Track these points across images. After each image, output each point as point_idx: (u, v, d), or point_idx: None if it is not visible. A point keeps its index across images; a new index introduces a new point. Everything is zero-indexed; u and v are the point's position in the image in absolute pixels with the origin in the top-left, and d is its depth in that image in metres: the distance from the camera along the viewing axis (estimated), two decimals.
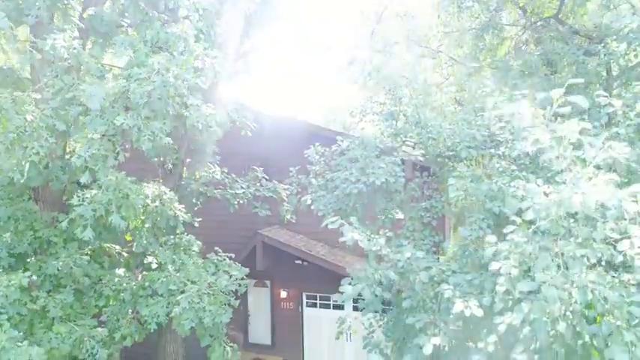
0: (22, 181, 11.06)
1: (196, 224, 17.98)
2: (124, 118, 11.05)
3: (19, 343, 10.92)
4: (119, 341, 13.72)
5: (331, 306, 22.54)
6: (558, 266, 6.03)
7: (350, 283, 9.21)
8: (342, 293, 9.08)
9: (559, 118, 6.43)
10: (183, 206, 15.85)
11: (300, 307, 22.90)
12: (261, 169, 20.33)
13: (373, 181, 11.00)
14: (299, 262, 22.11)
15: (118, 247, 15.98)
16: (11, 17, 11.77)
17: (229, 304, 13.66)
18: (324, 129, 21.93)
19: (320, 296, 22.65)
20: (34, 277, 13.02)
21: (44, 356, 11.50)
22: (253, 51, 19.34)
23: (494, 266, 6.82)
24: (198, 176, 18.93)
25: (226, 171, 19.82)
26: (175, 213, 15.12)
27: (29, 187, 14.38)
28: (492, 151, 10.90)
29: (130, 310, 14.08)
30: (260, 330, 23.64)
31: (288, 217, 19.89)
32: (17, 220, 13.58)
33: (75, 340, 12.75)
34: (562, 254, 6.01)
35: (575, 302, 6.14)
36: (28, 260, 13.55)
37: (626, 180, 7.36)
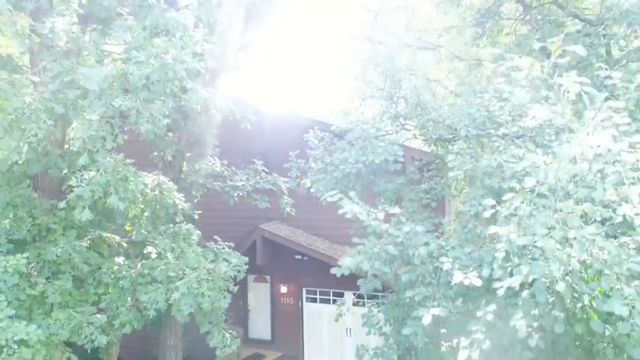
0: (20, 162, 11.02)
1: (196, 216, 17.96)
2: (123, 100, 11.02)
3: (17, 323, 10.88)
4: (118, 328, 13.68)
5: (331, 301, 22.53)
6: (557, 222, 5.99)
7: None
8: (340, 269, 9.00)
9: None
10: (183, 195, 15.82)
11: (300, 303, 22.86)
12: (261, 162, 20.29)
13: (372, 160, 10.98)
14: (299, 257, 22.08)
15: (117, 237, 15.91)
16: (10, 1, 11.75)
17: (228, 290, 13.62)
18: (324, 123, 21.89)
19: (320, 291, 22.61)
20: (33, 264, 13.02)
21: (42, 336, 11.51)
22: (253, 43, 19.34)
23: (492, 230, 6.78)
24: (197, 168, 18.90)
25: (226, 163, 19.80)
26: (175, 202, 15.10)
27: (28, 176, 14.35)
28: (492, 131, 10.85)
29: (130, 298, 14.03)
30: (260, 325, 23.60)
31: (288, 209, 19.87)
32: (16, 206, 13.54)
33: (74, 326, 12.72)
34: (560, 210, 5.97)
35: (574, 259, 6.10)
36: (27, 247, 13.51)
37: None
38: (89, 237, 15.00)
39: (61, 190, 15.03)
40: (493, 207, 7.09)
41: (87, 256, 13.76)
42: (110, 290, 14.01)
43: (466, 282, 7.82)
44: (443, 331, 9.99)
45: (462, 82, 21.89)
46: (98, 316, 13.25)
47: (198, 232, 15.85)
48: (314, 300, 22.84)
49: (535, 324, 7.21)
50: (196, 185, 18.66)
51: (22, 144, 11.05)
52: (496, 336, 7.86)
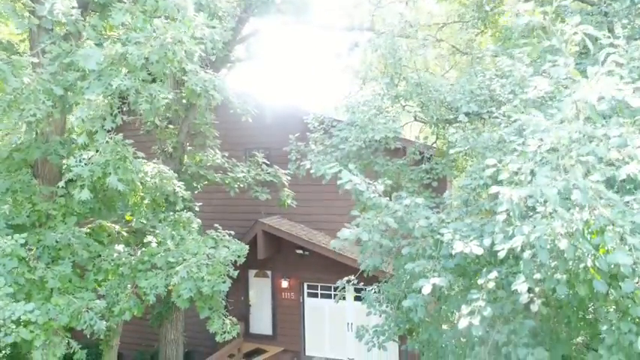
0: (19, 142, 10.97)
1: (197, 208, 17.93)
2: (122, 80, 10.96)
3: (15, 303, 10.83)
4: (118, 315, 13.58)
5: (332, 296, 22.41)
6: (559, 174, 5.90)
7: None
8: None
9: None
10: (183, 183, 15.78)
11: (301, 298, 22.80)
12: (262, 154, 20.25)
13: (372, 137, 10.91)
14: (300, 251, 22.04)
15: (117, 226, 15.86)
16: None
17: (229, 276, 13.54)
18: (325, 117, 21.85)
19: (321, 286, 22.54)
20: (33, 249, 12.96)
21: (40, 317, 11.45)
22: (254, 34, 19.33)
23: (493, 190, 6.69)
24: (198, 160, 18.87)
25: (227, 155, 19.76)
26: (175, 189, 15.05)
27: (28, 163, 14.32)
28: (493, 109, 10.77)
29: (129, 285, 13.95)
30: (261, 320, 23.53)
31: (289, 202, 19.82)
32: (15, 191, 13.49)
33: (73, 311, 12.64)
34: (564, 167, 5.88)
35: (577, 215, 6.01)
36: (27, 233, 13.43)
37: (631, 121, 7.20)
38: (90, 225, 14.98)
39: (61, 177, 14.99)
40: (494, 166, 7.01)
41: (87, 242, 13.69)
42: (110, 277, 13.93)
43: (466, 250, 7.74)
44: (444, 307, 9.91)
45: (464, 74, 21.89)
46: (98, 301, 13.15)
47: (199, 220, 15.77)
48: (315, 295, 22.78)
49: (537, 289, 7.12)
50: (197, 177, 18.62)
51: (20, 123, 10.99)
52: (497, 305, 7.78)
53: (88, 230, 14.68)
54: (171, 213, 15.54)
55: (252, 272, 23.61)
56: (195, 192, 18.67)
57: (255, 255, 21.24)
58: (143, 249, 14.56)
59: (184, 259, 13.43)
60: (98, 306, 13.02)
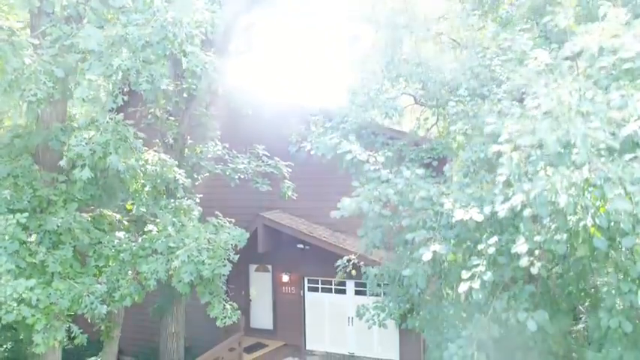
0: (20, 121, 10.98)
1: (197, 200, 17.93)
2: (122, 60, 10.99)
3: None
4: (119, 300, 13.57)
5: (333, 290, 22.40)
6: (559, 125, 5.91)
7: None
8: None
9: None
10: (184, 171, 15.80)
11: (301, 292, 22.76)
12: (263, 147, 20.22)
13: (373, 118, 10.92)
14: (300, 246, 22.00)
15: (118, 215, 15.86)
16: None
17: (229, 260, 13.52)
18: (326, 110, 21.82)
19: (322, 280, 22.50)
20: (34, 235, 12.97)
21: (42, 296, 11.46)
22: (255, 25, 19.35)
23: (494, 149, 6.71)
24: (198, 151, 18.88)
25: (227, 146, 19.77)
26: (175, 177, 15.06)
27: (29, 150, 14.34)
28: (494, 87, 10.77)
29: (130, 271, 13.94)
30: (262, 315, 23.51)
31: (289, 193, 19.81)
32: (16, 176, 13.49)
33: (74, 295, 12.64)
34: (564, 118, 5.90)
35: (576, 171, 6.02)
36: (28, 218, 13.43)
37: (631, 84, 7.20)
38: (90, 214, 14.98)
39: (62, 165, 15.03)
40: (494, 123, 7.03)
41: (87, 227, 13.69)
42: (111, 263, 13.92)
43: (466, 217, 7.75)
44: (443, 282, 9.92)
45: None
46: (98, 286, 13.17)
47: (199, 208, 15.77)
48: (316, 289, 22.74)
49: (537, 251, 7.12)
50: (197, 167, 18.62)
51: (21, 103, 11.01)
52: (498, 273, 7.79)
53: (89, 218, 14.67)
54: (172, 200, 15.55)
55: (252, 267, 23.60)
56: (196, 183, 18.68)
57: (256, 249, 21.24)
58: (144, 236, 14.56)
59: (185, 244, 13.42)
60: (99, 290, 13.04)
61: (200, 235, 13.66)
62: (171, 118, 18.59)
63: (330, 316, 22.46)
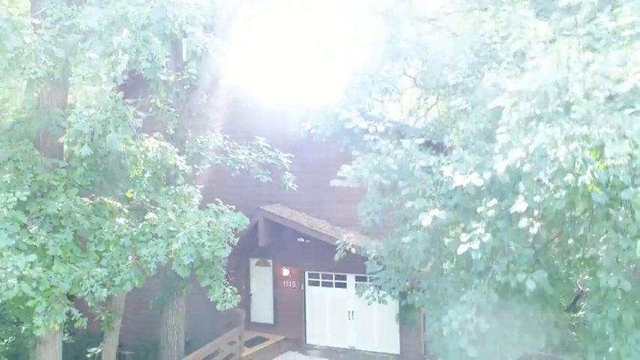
0: (20, 101, 10.99)
1: (198, 191, 17.92)
2: (122, 38, 11.02)
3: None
4: (120, 285, 13.55)
5: (333, 284, 22.41)
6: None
7: None
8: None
9: None
10: (184, 157, 15.81)
11: (302, 286, 22.75)
12: (263, 139, 20.21)
13: (373, 99, 10.92)
14: (301, 240, 21.99)
15: (118, 203, 15.86)
16: None
17: (229, 243, 13.51)
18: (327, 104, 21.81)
19: (322, 274, 22.49)
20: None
21: (43, 276, 11.46)
22: (256, 14, 19.38)
23: (495, 103, 6.72)
24: (199, 142, 18.88)
25: (228, 137, 19.76)
26: (176, 163, 15.07)
27: (30, 137, 14.37)
28: (495, 64, 10.75)
29: (130, 256, 13.93)
30: (262, 309, 23.48)
31: (290, 184, 19.79)
32: (17, 161, 13.51)
33: (74, 278, 12.64)
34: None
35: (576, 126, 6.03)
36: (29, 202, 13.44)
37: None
38: (91, 202, 14.97)
39: (62, 151, 15.04)
40: (494, 80, 7.05)
41: (88, 211, 13.70)
42: (111, 248, 13.91)
43: (466, 182, 7.75)
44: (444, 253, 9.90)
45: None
46: (98, 270, 13.16)
47: (200, 195, 15.77)
48: (316, 283, 22.75)
49: (536, 212, 7.12)
50: (198, 158, 18.61)
51: (22, 81, 11.04)
52: (497, 237, 7.79)
53: (90, 205, 14.68)
54: (172, 187, 15.56)
55: (253, 261, 23.58)
56: (197, 174, 18.67)
57: (257, 243, 21.24)
58: (144, 222, 14.55)
59: (185, 228, 13.41)
60: (99, 274, 13.03)
61: (200, 219, 13.66)
62: (171, 109, 18.59)
63: (331, 310, 22.45)
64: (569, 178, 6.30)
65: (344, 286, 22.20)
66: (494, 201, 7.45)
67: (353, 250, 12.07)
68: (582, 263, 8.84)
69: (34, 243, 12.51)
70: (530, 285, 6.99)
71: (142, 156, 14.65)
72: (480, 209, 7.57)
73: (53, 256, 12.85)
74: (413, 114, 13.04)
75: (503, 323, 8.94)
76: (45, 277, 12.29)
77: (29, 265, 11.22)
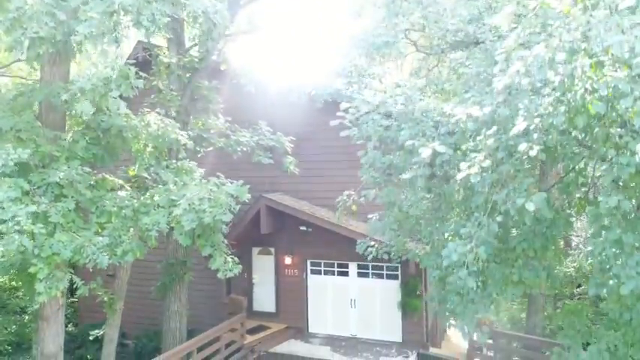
0: (23, 56, 11.02)
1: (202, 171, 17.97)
2: None
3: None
4: (121, 256, 13.54)
5: (336, 273, 22.39)
6: None
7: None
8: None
9: None
10: (186, 133, 15.86)
11: (304, 274, 22.73)
12: (265, 123, 20.25)
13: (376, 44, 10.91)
14: (303, 228, 22.02)
15: (120, 181, 15.89)
16: None
17: (230, 211, 13.50)
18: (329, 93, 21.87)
19: (324, 263, 22.48)
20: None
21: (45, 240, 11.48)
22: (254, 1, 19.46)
23: (494, 21, 6.73)
24: (201, 124, 18.94)
25: (230, 119, 19.82)
26: (178, 138, 15.10)
27: (32, 110, 14.43)
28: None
29: (132, 228, 13.94)
30: (264, 298, 23.47)
31: (292, 167, 19.84)
32: (19, 130, 13.55)
33: (76, 246, 12.64)
34: None
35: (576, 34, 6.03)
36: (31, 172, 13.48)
37: None
38: (93, 178, 15.01)
39: (64, 125, 15.10)
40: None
41: (89, 180, 13.72)
42: (113, 219, 13.92)
43: (465, 116, 7.76)
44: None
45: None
46: (100, 238, 13.17)
47: (201, 170, 15.78)
48: (318, 272, 22.73)
49: (535, 135, 7.11)
50: (200, 140, 18.67)
51: (23, 39, 11.09)
52: (497, 169, 7.78)
53: (92, 178, 14.71)
54: (174, 161, 15.60)
55: (255, 250, 23.58)
56: (198, 156, 18.73)
57: (259, 231, 21.26)
58: (146, 195, 14.57)
59: (186, 196, 13.43)
60: (100, 242, 13.03)
61: (202, 188, 13.68)
62: (173, 92, 18.67)
63: (333, 299, 22.43)
64: (569, 90, 6.32)
65: (346, 274, 22.20)
66: (494, 128, 7.45)
67: (354, 207, 11.99)
68: (583, 202, 8.87)
69: (37, 210, 12.52)
70: (530, 206, 6.95)
71: (144, 130, 14.67)
72: (479, 138, 7.57)
73: (55, 225, 12.84)
74: (414, 75, 13.02)
75: (503, 263, 8.95)
76: (47, 245, 12.30)
77: (30, 217, 11.20)
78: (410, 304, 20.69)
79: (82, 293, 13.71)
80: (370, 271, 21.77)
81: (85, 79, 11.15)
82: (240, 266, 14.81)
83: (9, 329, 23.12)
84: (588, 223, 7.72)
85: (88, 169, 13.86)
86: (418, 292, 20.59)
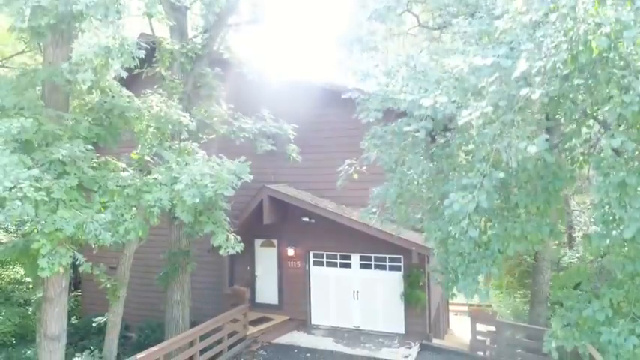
0: (24, 25, 11.05)
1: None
2: None
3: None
4: (124, 235, 13.55)
5: (338, 264, 22.34)
6: None
7: None
8: None
9: None
10: (188, 114, 15.89)
11: (307, 266, 22.70)
12: (268, 111, 20.24)
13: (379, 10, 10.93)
14: (306, 219, 22.02)
15: (123, 164, 15.92)
16: None
17: (232, 187, 13.50)
18: (332, 84, 21.91)
19: (327, 254, 22.46)
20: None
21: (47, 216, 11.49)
22: None
23: None
24: (203, 111, 18.97)
25: (232, 106, 19.83)
26: (180, 119, 15.12)
27: (35, 88, 14.48)
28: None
29: (135, 207, 13.94)
30: (267, 290, 23.47)
31: (294, 155, 19.84)
32: (22, 108, 13.59)
33: (78, 222, 12.64)
34: None
35: None
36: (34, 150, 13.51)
37: None
38: (95, 160, 15.04)
39: (67, 106, 15.13)
40: None
41: (91, 156, 13.74)
42: (115, 198, 13.93)
43: (465, 64, 7.76)
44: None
45: None
46: (102, 215, 13.17)
47: (204, 151, 15.79)
48: (321, 263, 22.70)
49: (538, 79, 7.11)
50: (202, 127, 18.69)
51: (25, 8, 11.11)
52: (499, 117, 7.78)
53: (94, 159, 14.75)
54: (177, 142, 15.63)
55: (258, 242, 23.59)
56: (201, 142, 18.74)
57: (261, 222, 21.26)
58: (148, 176, 14.59)
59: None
60: (103, 219, 13.04)
61: (204, 165, 13.70)
62: (176, 79, 18.72)
63: (336, 290, 22.39)
64: (570, 25, 6.33)
65: (348, 266, 22.16)
66: (497, 74, 7.44)
67: (355, 176, 11.98)
68: (586, 158, 8.87)
69: (39, 186, 12.52)
70: (532, 149, 6.95)
71: (146, 111, 14.71)
72: (481, 84, 7.56)
73: (58, 201, 12.85)
74: (415, 47, 13.04)
75: (505, 219, 8.94)
76: (49, 221, 12.31)
77: (32, 181, 11.20)
78: (413, 295, 20.64)
79: (85, 270, 13.63)
80: (373, 262, 21.74)
81: (86, 47, 11.13)
82: (242, 244, 14.81)
83: (12, 320, 23.18)
84: (593, 167, 7.65)
85: (91, 147, 13.81)
86: (421, 283, 20.52)
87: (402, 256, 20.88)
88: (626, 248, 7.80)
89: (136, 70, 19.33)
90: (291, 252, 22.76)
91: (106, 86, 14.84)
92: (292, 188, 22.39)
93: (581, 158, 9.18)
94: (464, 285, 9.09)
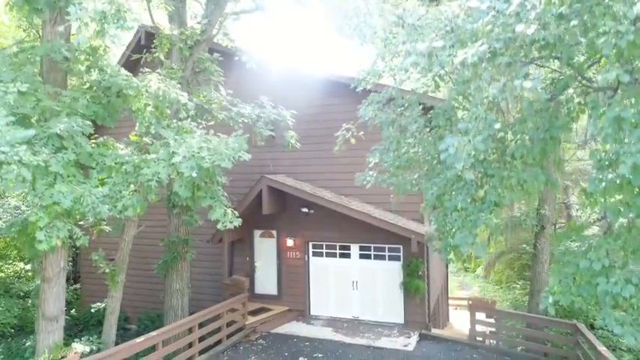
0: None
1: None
2: None
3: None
4: (122, 211, 13.52)
5: (337, 255, 22.29)
6: None
7: None
8: None
9: None
10: (187, 94, 15.89)
11: (306, 257, 22.65)
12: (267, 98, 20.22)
13: None
14: (305, 210, 22.00)
15: (122, 145, 15.92)
16: None
17: (230, 160, 13.48)
18: (334, 75, 21.94)
19: (326, 245, 22.41)
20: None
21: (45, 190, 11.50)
22: None
23: None
24: (202, 97, 18.98)
25: (231, 92, 19.83)
26: (179, 98, 15.12)
27: (33, 65, 14.51)
28: None
29: (132, 184, 13.92)
30: (266, 281, 23.38)
31: (293, 142, 19.82)
32: (21, 82, 13.57)
33: (76, 196, 12.63)
34: None
35: None
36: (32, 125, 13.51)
37: None
38: (94, 141, 15.05)
39: (65, 85, 15.16)
40: None
41: (89, 131, 13.73)
42: (113, 174, 13.91)
43: (463, 12, 7.76)
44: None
45: None
46: (100, 189, 13.16)
47: (203, 130, 15.79)
48: (320, 254, 22.64)
49: (533, 13, 7.10)
50: (201, 112, 18.69)
51: None
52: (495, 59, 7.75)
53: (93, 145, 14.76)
54: (175, 121, 15.64)
55: (257, 232, 23.53)
56: (200, 128, 18.74)
57: (261, 213, 21.25)
58: (146, 154, 14.58)
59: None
60: (100, 193, 13.03)
61: (202, 139, 13.71)
62: (174, 66, 18.75)
63: (335, 281, 22.32)
64: None
65: (348, 256, 22.10)
66: (492, 14, 7.42)
67: (352, 140, 11.95)
68: (582, 107, 8.86)
69: (38, 159, 12.51)
70: (527, 84, 6.93)
71: (144, 89, 14.71)
72: (476, 25, 7.55)
73: (55, 175, 12.83)
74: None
75: (501, 169, 8.91)
76: (47, 194, 12.29)
77: (28, 146, 11.17)
78: (412, 284, 20.56)
79: (82, 244, 13.58)
80: (372, 252, 21.69)
81: (82, 11, 11.10)
82: (240, 220, 14.77)
83: (12, 312, 23.20)
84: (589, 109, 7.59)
85: (88, 122, 13.80)
86: (420, 273, 20.45)
87: (401, 246, 20.82)
88: (621, 195, 7.73)
89: (135, 56, 19.49)
90: (290, 243, 22.70)
91: (104, 65, 14.87)
92: (291, 179, 22.36)
93: (577, 108, 9.16)
94: (460, 238, 9.04)
